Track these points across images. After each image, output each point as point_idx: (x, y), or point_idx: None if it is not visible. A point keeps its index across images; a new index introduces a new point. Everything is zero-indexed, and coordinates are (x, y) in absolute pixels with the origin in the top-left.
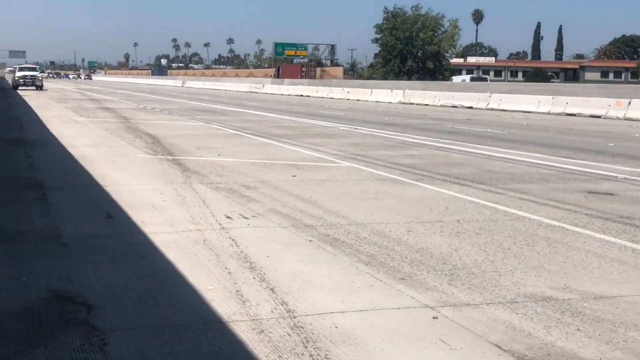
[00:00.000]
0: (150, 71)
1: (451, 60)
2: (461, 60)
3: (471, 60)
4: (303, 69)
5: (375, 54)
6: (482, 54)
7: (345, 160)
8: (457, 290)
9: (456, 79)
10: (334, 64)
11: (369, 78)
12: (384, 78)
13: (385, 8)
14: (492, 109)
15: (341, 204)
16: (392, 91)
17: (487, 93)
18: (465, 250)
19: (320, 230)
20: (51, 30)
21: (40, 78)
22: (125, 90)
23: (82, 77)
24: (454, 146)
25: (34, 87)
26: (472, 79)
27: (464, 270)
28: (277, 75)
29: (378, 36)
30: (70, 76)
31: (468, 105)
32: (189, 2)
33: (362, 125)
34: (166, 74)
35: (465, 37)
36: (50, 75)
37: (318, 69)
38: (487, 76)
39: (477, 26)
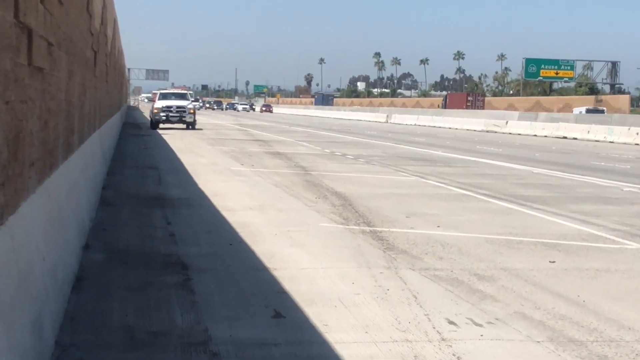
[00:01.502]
0: (314, 100)
1: None
2: None
3: None
4: (469, 98)
5: None
6: None
7: (633, 239)
8: None
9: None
10: (616, 90)
11: None
12: None
13: None
14: None
15: (626, 309)
16: None
17: None
18: None
19: (594, 349)
20: (203, 43)
21: (192, 110)
22: (305, 128)
23: (258, 108)
24: None
25: (182, 125)
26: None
27: None
28: (445, 106)
29: None
30: (240, 107)
31: None
32: (398, 5)
33: None
34: (332, 104)
35: None
36: (208, 106)
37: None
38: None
39: None
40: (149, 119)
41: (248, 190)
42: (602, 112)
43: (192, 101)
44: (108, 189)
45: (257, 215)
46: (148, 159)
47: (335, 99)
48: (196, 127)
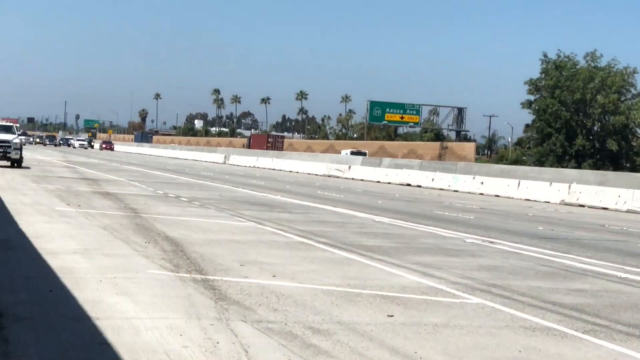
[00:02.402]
0: (134, 137)
1: None
2: None
3: None
4: (269, 140)
5: (527, 125)
6: None
7: (474, 293)
8: None
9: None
10: (462, 137)
11: (516, 162)
12: (540, 163)
13: (545, 55)
14: None
15: None
16: (550, 184)
17: None
18: None
19: None
20: (30, 72)
21: (18, 145)
22: (138, 167)
23: (98, 145)
24: None
25: (6, 162)
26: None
27: None
28: (249, 146)
29: (532, 97)
30: (76, 143)
31: None
32: (238, 41)
33: (502, 238)
34: (151, 141)
35: None
36: (39, 140)
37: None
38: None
39: None
40: None
41: (73, 232)
42: (364, 154)
43: (19, 135)
44: None
45: (81, 260)
46: None
47: (154, 137)
48: (23, 165)
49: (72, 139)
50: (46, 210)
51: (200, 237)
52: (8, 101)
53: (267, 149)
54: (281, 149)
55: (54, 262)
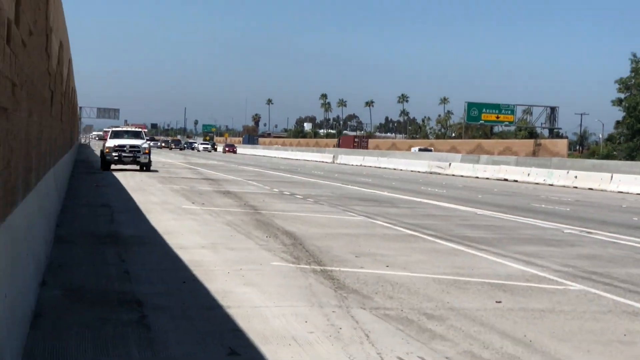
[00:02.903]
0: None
1: None
2: None
3: None
4: (355, 140)
5: (618, 122)
6: None
7: (576, 280)
8: None
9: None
10: (555, 134)
11: (607, 157)
12: (630, 157)
13: (634, 55)
14: None
15: (572, 349)
16: None
17: None
18: None
19: None
20: (153, 82)
21: (147, 150)
22: (254, 168)
23: (221, 148)
24: None
25: (136, 166)
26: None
27: None
28: (339, 145)
29: (622, 96)
30: (201, 147)
31: None
32: (344, 47)
33: (599, 228)
34: (257, 143)
35: None
36: (164, 145)
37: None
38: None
39: None
40: (100, 158)
41: (199, 228)
42: (430, 151)
43: (147, 140)
44: (62, 227)
45: (209, 254)
46: (100, 197)
47: (260, 139)
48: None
49: (195, 142)
50: (174, 209)
51: (316, 231)
52: (135, 108)
53: (354, 147)
54: (366, 147)
55: (184, 256)
